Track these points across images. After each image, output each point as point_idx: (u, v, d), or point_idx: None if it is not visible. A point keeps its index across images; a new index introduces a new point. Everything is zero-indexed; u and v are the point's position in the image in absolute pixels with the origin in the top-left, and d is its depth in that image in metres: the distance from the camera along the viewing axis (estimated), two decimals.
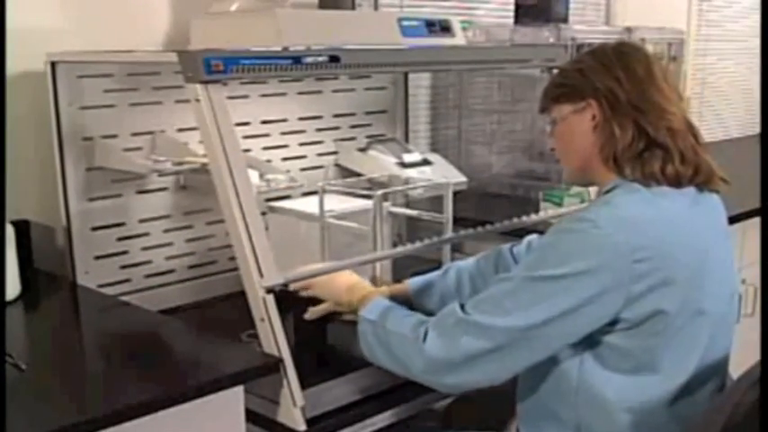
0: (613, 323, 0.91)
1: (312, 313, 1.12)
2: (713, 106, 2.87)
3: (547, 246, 0.93)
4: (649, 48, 1.88)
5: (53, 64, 1.24)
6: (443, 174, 1.56)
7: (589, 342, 0.93)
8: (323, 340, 1.17)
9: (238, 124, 1.34)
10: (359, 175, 1.57)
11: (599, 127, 0.96)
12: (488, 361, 0.90)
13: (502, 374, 0.93)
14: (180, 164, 1.33)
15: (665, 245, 0.90)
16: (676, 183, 0.94)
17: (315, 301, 1.13)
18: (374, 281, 1.28)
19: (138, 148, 1.35)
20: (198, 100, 1.01)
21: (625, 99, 0.94)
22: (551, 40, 1.69)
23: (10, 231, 1.17)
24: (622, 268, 0.88)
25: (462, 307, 0.93)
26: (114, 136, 1.33)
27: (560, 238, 0.92)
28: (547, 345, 0.91)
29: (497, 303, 0.91)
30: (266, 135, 1.52)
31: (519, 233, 1.30)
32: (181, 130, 1.39)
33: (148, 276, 1.39)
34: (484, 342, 0.89)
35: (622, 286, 0.88)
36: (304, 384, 0.99)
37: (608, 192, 0.96)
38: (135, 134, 1.35)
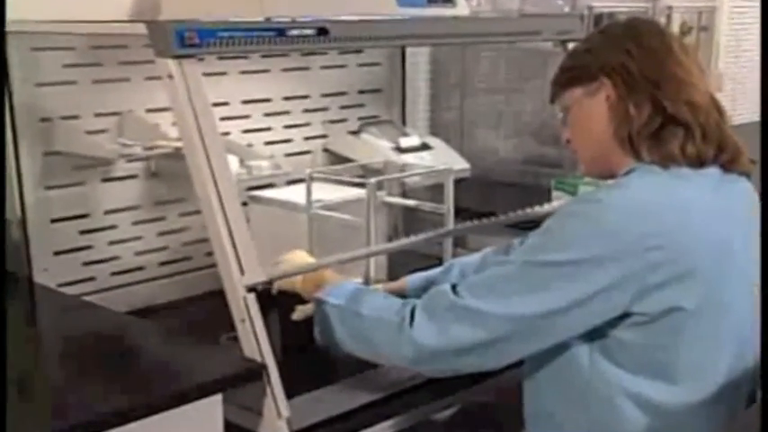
0: (623, 317, 0.91)
1: (299, 313, 1.13)
2: (747, 82, 2.86)
3: (550, 228, 0.92)
4: (677, 17, 1.88)
5: (2, 34, 1.23)
6: (444, 160, 1.56)
7: (597, 334, 0.94)
8: (311, 343, 1.18)
9: (216, 104, 1.34)
10: (350, 161, 1.57)
11: (613, 107, 0.96)
12: (483, 351, 0.92)
13: (497, 363, 0.95)
14: (150, 148, 1.33)
15: (681, 233, 0.90)
16: (698, 162, 0.94)
17: (303, 299, 1.14)
18: (367, 278, 1.28)
19: (103, 131, 1.35)
20: (170, 77, 1.01)
21: (638, 73, 0.95)
22: (566, 9, 1.69)
23: None
24: (633, 257, 0.88)
25: (454, 288, 0.94)
26: (76, 117, 1.32)
27: (565, 221, 0.92)
28: (547, 336, 0.92)
29: (493, 288, 0.92)
30: (247, 116, 1.52)
31: (528, 225, 1.30)
32: (151, 110, 1.38)
33: (115, 274, 1.40)
34: (479, 331, 0.91)
35: (633, 277, 0.88)
36: (290, 393, 1.00)
37: (624, 176, 0.96)
38: (99, 115, 1.35)
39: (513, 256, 0.96)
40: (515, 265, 0.93)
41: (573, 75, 1.00)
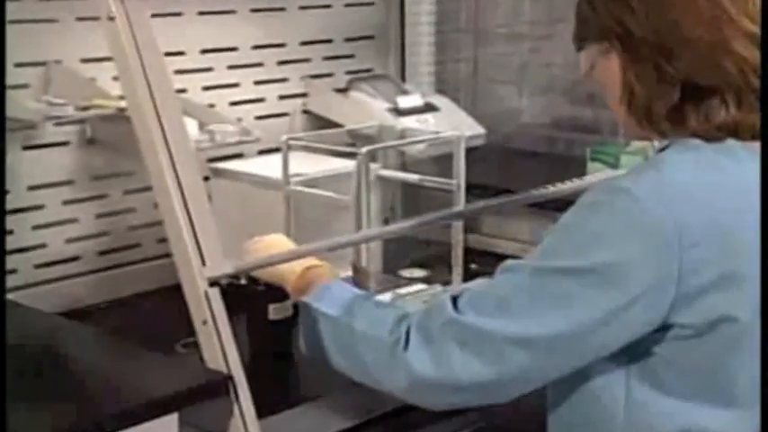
0: (665, 329, 0.90)
1: (275, 312, 1.13)
2: None
3: (566, 226, 0.92)
4: None
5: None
6: (453, 124, 1.57)
7: (634, 354, 0.94)
8: (288, 350, 1.19)
9: (169, 54, 1.34)
10: (337, 125, 1.57)
11: (622, 77, 0.94)
12: (489, 383, 0.92)
13: (508, 396, 0.95)
14: (86, 108, 1.32)
15: (728, 224, 0.89)
16: (736, 134, 0.92)
17: (277, 296, 1.14)
18: (357, 271, 1.29)
19: (25, 86, 1.34)
20: (110, 18, 1.00)
21: (640, 34, 0.92)
22: None
23: None
24: (669, 256, 0.87)
25: (455, 302, 0.94)
26: None
27: (584, 216, 0.91)
28: (569, 360, 0.92)
29: (501, 302, 0.91)
30: (208, 70, 1.52)
31: (557, 205, 1.31)
32: (86, 60, 1.38)
33: (42, 266, 1.40)
34: (484, 357, 0.91)
35: (670, 280, 0.87)
36: (262, 411, 1.00)
37: (662, 150, 0.95)
38: (19, 65, 1.33)
39: (526, 259, 0.95)
40: (525, 274, 0.92)
41: (583, 30, 0.99)
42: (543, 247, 0.94)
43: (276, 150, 1.39)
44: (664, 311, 0.89)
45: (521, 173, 1.72)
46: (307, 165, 1.39)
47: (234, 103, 1.55)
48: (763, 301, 0.89)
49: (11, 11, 1.31)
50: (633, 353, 0.93)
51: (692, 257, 0.88)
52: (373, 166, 1.40)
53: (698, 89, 0.92)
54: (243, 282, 1.17)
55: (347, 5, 1.67)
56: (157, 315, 1.34)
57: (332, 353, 1.00)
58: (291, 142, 1.37)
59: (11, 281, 1.36)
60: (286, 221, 1.33)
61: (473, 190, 1.40)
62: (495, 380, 0.92)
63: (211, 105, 1.51)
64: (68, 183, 1.41)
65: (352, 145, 1.45)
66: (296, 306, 1.19)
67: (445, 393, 0.94)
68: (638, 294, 0.88)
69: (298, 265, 1.08)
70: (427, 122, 1.58)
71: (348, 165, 1.34)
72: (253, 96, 1.58)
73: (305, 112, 1.64)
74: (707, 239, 0.88)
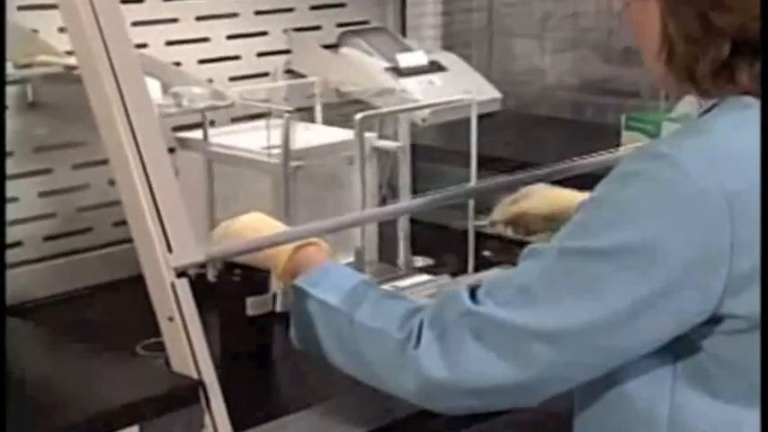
0: (715, 321, 0.91)
1: (254, 307, 1.13)
2: None
3: (598, 200, 0.93)
4: None
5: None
6: (464, 86, 1.57)
7: (683, 352, 0.94)
8: (268, 351, 1.19)
9: (126, 1, 1.33)
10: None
11: (661, 24, 0.94)
12: (512, 384, 0.93)
13: (533, 400, 0.96)
14: (26, 66, 1.32)
15: None
16: None
17: (256, 288, 1.15)
18: (360, 258, 1.29)
19: None
20: None
21: None
22: None
23: None
24: (718, 231, 0.87)
25: (473, 293, 0.95)
26: None
27: (617, 188, 0.92)
28: (600, 358, 0.93)
29: (523, 290, 0.92)
30: (173, 21, 1.52)
31: (585, 182, 1.31)
32: (25, 7, 1.37)
33: None
34: (505, 355, 0.91)
35: (720, 261, 0.88)
36: (237, 423, 1.01)
37: (707, 112, 0.96)
38: None
39: (552, 241, 0.95)
40: (551, 256, 0.93)
41: None
42: (571, 225, 0.95)
43: (256, 117, 1.39)
44: (714, 300, 0.90)
45: (543, 143, 1.73)
46: (291, 133, 1.39)
47: (203, 61, 1.55)
48: (763, 301, 0.90)
49: None
50: (681, 350, 0.94)
51: (744, 234, 0.88)
52: (369, 135, 1.40)
53: (751, 44, 0.93)
54: (215, 272, 1.17)
55: None
56: (114, 311, 1.34)
57: (328, 347, 1.01)
58: (273, 107, 1.36)
59: None
60: (266, 200, 1.32)
61: (486, 164, 1.41)
62: (517, 380, 0.92)
63: (177, 64, 1.50)
64: (6, 155, 1.41)
65: (345, 110, 1.45)
66: (274, 299, 1.20)
67: (460, 396, 0.95)
68: (681, 278, 0.89)
69: (286, 248, 1.08)
70: (432, 84, 1.58)
71: (341, 134, 1.34)
72: (226, 53, 1.58)
73: (288, 71, 1.63)
74: (760, 212, 0.88)
